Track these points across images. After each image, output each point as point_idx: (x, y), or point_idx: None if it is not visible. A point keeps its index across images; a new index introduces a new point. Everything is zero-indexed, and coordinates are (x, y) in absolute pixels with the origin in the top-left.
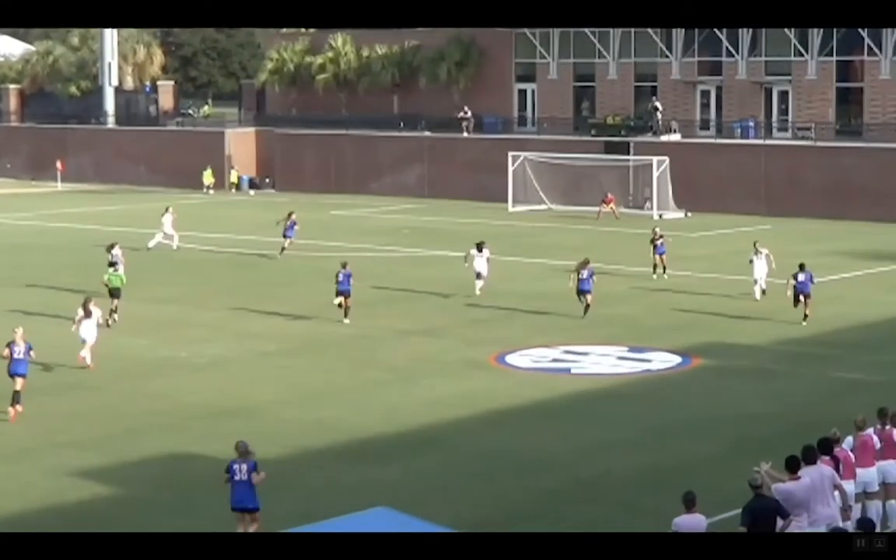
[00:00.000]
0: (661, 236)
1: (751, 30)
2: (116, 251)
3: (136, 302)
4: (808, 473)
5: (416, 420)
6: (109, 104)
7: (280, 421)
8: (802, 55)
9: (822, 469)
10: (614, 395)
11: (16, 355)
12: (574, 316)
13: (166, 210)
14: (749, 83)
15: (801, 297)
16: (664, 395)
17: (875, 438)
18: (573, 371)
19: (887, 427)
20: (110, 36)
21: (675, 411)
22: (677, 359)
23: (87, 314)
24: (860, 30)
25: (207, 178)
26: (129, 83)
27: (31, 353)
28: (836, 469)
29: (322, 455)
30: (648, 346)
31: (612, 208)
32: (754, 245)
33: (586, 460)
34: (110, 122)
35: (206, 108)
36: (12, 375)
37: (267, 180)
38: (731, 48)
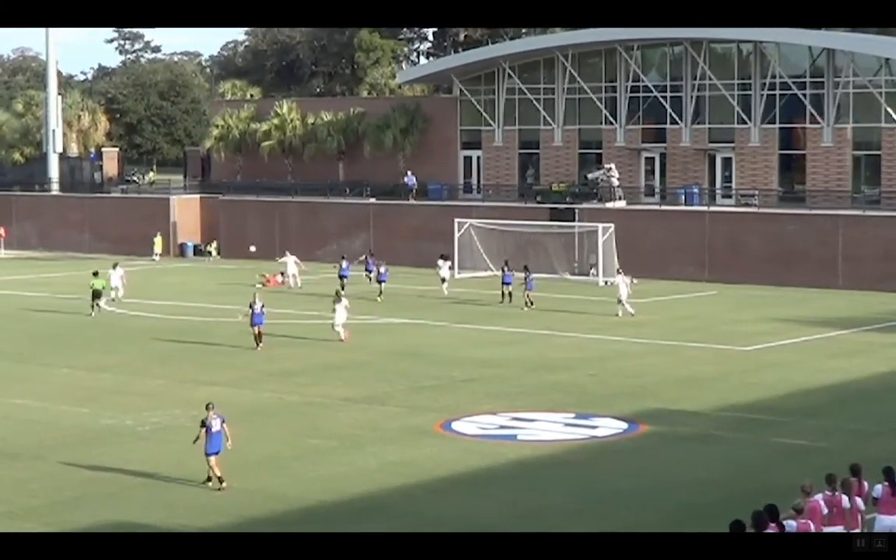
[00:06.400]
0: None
1: (694, 97)
2: (118, 273)
3: (80, 370)
4: None
5: (360, 488)
6: (54, 171)
7: (223, 489)
8: (745, 122)
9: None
10: (561, 461)
11: (256, 311)
12: (519, 383)
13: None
14: (693, 150)
15: (509, 292)
16: (610, 461)
17: (823, 505)
18: (520, 438)
19: (836, 493)
20: (55, 103)
21: (621, 478)
22: (623, 425)
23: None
24: (802, 98)
25: (158, 244)
26: (74, 150)
27: (265, 309)
28: None
29: (264, 524)
30: (594, 413)
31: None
32: (617, 270)
33: (532, 527)
34: (55, 188)
35: (150, 174)
36: (254, 325)
37: (208, 248)
38: (674, 115)
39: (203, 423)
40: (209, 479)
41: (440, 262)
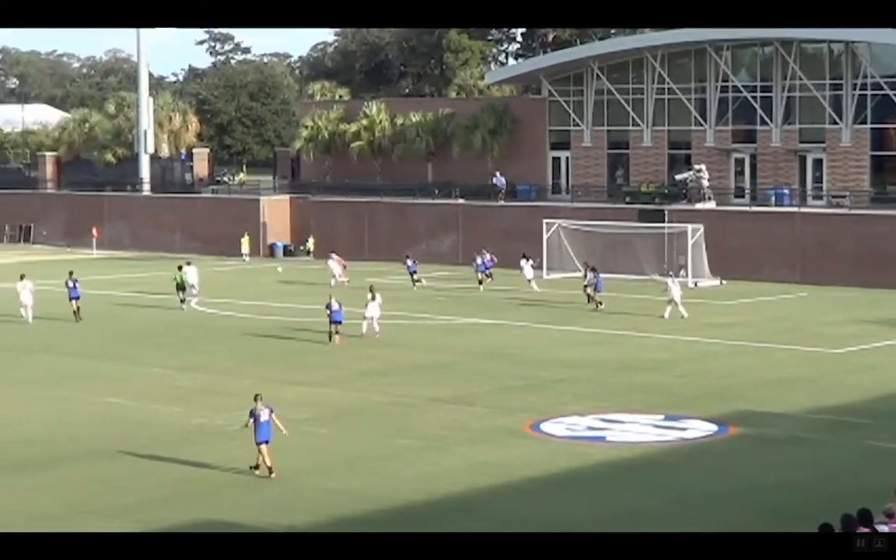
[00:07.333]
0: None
1: (785, 97)
2: (192, 270)
3: (171, 369)
4: None
5: (449, 488)
6: (145, 171)
7: (312, 489)
8: (836, 123)
9: None
10: (650, 463)
11: (334, 309)
12: (607, 384)
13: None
14: (783, 150)
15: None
16: (699, 463)
17: None
18: (608, 439)
19: None
20: (146, 104)
21: (710, 480)
22: (713, 427)
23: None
24: (894, 98)
25: (245, 245)
26: (165, 150)
27: (342, 309)
28: None
29: (355, 524)
30: (684, 415)
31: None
32: (670, 272)
33: (620, 528)
34: (146, 189)
35: (241, 175)
36: (332, 322)
37: (302, 247)
38: (765, 116)
39: (251, 413)
40: (257, 466)
41: (523, 261)
